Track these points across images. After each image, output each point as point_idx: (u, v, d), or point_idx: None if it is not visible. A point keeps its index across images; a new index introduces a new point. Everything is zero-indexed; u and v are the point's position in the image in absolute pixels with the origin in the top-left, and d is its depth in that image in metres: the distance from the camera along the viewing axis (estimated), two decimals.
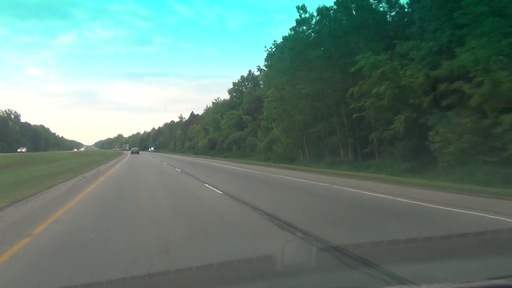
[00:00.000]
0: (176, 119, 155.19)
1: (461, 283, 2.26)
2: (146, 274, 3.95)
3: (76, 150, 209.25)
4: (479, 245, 5.44)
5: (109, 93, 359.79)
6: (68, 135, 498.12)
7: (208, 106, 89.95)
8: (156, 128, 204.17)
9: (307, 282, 3.63)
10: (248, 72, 68.80)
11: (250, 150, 45.72)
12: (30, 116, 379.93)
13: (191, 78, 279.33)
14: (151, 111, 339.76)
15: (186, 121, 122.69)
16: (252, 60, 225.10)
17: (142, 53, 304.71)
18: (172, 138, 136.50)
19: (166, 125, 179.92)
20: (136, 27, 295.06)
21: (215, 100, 78.46)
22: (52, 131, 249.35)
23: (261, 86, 58.00)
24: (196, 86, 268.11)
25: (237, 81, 69.99)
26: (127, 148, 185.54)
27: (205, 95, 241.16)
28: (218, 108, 74.58)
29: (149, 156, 64.99)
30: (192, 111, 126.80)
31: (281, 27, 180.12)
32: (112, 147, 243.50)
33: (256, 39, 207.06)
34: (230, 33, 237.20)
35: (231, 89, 71.01)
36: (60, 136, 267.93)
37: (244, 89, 69.20)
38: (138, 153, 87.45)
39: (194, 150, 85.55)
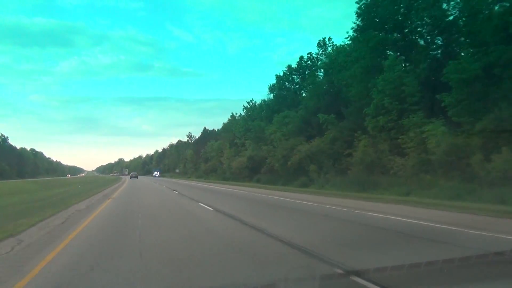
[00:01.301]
0: (184, 138, 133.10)
1: None
2: None
3: (69, 176, 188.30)
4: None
5: (110, 118, 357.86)
6: (69, 161, 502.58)
7: (235, 114, 67.73)
8: (160, 150, 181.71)
9: None
10: (299, 60, 46.94)
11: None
12: (30, 142, 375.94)
13: (191, 102, 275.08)
14: (153, 135, 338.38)
15: (199, 138, 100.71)
16: (252, 84, 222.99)
17: (143, 78, 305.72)
18: (181, 160, 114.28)
19: (172, 146, 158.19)
20: (136, 52, 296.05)
21: (248, 103, 56.26)
22: (48, 155, 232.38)
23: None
24: (197, 109, 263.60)
25: (282, 73, 48.06)
26: (126, 172, 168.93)
27: (205, 118, 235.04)
28: (255, 114, 52.38)
29: (154, 185, 43.14)
30: (205, 127, 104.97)
31: (280, 50, 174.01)
32: (113, 172, 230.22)
33: (256, 63, 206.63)
34: (230, 57, 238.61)
35: (273, 86, 49.11)
36: (56, 161, 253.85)
37: (287, 85, 47.45)
38: (137, 178, 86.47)
39: (217, 175, 63.18)
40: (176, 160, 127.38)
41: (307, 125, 35.52)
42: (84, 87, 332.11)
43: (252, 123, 45.37)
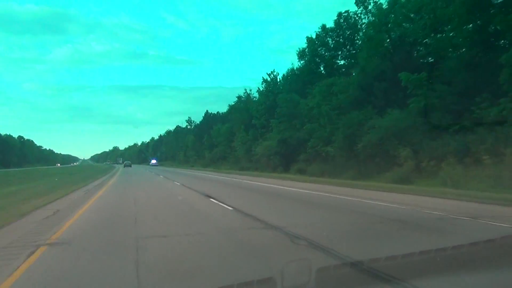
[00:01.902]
0: (183, 123, 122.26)
1: None
2: None
3: (59, 165, 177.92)
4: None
5: (104, 107, 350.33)
6: (64, 150, 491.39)
7: (248, 91, 56.44)
8: (156, 138, 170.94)
9: None
10: (337, 17, 36.35)
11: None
12: (24, 131, 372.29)
13: (186, 90, 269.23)
14: (148, 123, 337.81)
15: (200, 123, 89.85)
16: (247, 72, 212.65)
17: (137, 66, 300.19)
18: (181, 147, 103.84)
19: (169, 133, 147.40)
20: (130, 40, 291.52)
21: (269, 75, 45.19)
22: (40, 144, 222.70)
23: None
24: (192, 98, 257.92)
25: (315, 35, 37.48)
26: (121, 161, 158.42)
27: (200, 106, 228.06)
28: (278, 87, 41.72)
29: (154, 177, 33.18)
30: (207, 110, 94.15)
31: (275, 37, 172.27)
32: (107, 160, 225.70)
33: (250, 50, 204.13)
34: (224, 44, 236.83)
35: (303, 50, 38.56)
36: (48, 149, 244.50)
37: (321, 50, 37.12)
38: (131, 166, 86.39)
39: (228, 163, 52.86)
40: (174, 148, 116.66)
41: (368, 94, 25.33)
42: (78, 76, 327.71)
43: (282, 96, 34.74)
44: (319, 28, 37.40)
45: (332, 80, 29.21)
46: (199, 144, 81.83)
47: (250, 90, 59.51)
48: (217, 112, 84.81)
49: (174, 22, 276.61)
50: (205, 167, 61.38)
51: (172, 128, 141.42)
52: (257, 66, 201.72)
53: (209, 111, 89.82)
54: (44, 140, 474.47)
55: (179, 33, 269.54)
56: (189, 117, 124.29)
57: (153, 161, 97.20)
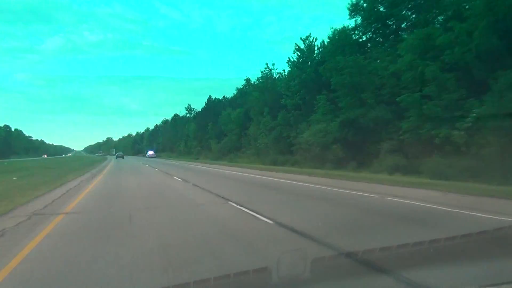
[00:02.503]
0: (182, 112, 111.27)
1: None
2: None
3: (45, 156, 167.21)
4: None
5: (98, 97, 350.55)
6: (57, 141, 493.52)
7: (270, 66, 45.15)
8: (152, 128, 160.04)
9: None
10: None
11: None
12: (16, 122, 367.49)
13: (180, 82, 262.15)
14: (142, 114, 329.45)
15: (203, 110, 79.14)
16: (241, 63, 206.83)
17: (130, 56, 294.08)
18: (180, 137, 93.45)
19: (166, 122, 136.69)
20: (123, 30, 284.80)
21: (304, 41, 34.52)
22: (30, 134, 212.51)
23: None
24: (186, 89, 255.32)
25: None
26: (114, 152, 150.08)
27: (195, 97, 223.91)
28: (317, 55, 31.32)
29: (161, 176, 22.79)
30: (210, 96, 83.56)
31: (270, 28, 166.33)
32: (99, 151, 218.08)
33: (245, 42, 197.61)
34: (219, 35, 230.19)
35: (355, 4, 28.17)
36: (39, 140, 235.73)
37: None
38: (123, 158, 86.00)
39: (245, 155, 42.71)
40: (173, 138, 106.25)
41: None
42: (71, 66, 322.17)
43: (340, 59, 24.01)
44: None
45: (430, 30, 19.05)
46: (202, 133, 71.49)
47: (273, 65, 49.45)
48: (223, 97, 74.33)
49: (168, 12, 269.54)
50: (215, 160, 50.95)
51: (169, 117, 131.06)
52: (252, 57, 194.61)
53: (212, 97, 79.24)
54: (37, 131, 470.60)
55: (173, 23, 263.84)
56: (188, 104, 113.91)
57: (150, 153, 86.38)
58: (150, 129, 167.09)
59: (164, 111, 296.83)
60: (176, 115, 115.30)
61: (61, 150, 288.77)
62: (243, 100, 58.03)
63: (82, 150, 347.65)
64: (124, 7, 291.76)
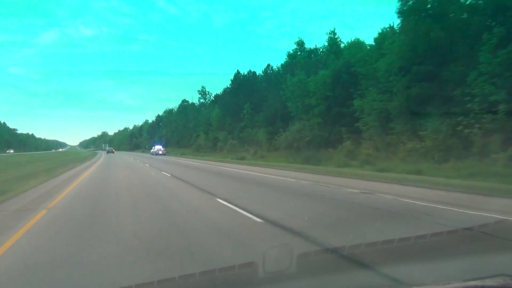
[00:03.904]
0: (193, 99, 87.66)
1: (438, 284, 2.37)
2: (128, 286, 3.50)
3: (11, 151, 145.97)
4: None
5: (93, 92, 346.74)
6: (52, 135, 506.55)
7: None
8: (151, 121, 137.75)
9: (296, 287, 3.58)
10: None
11: None
12: (10, 116, 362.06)
13: (176, 77, 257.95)
14: (138, 109, 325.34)
15: (231, 89, 57.10)
16: (238, 59, 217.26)
17: (126, 51, 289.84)
18: (194, 129, 71.99)
19: (170, 112, 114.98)
20: (119, 24, 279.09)
21: None
22: (14, 127, 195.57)
23: None
24: (182, 84, 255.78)
25: None
26: (104, 148, 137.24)
27: (192, 93, 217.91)
28: None
29: None
30: (237, 70, 61.95)
31: (267, 24, 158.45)
32: (97, 146, 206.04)
33: (241, 37, 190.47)
34: (215, 30, 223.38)
35: None
36: (30, 134, 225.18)
37: None
38: (113, 152, 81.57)
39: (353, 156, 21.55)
40: (181, 130, 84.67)
41: None
42: (66, 60, 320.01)
43: None
44: None
45: None
46: (235, 121, 50.06)
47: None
48: (268, 66, 52.38)
49: (164, 7, 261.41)
50: (290, 162, 28.98)
51: (174, 106, 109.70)
52: (249, 52, 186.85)
53: (241, 72, 57.49)
54: (31, 125, 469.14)
55: (169, 18, 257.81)
56: (202, 86, 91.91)
57: (158, 147, 62.11)
58: (149, 122, 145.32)
59: (160, 106, 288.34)
60: (185, 102, 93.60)
61: (55, 145, 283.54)
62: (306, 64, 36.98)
63: (77, 145, 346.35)
64: (120, 1, 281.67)
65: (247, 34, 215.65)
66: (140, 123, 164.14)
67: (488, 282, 2.24)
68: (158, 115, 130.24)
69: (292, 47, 22.96)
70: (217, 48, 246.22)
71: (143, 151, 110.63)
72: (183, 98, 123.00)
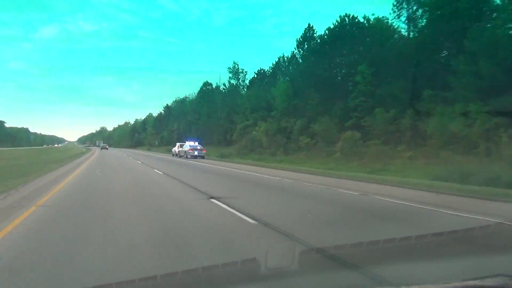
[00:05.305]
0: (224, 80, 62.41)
1: (438, 284, 2.41)
2: (129, 280, 3.55)
3: None
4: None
5: (93, 88, 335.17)
6: (50, 131, 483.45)
7: None
8: (159, 112, 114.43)
9: (292, 284, 3.56)
10: None
11: None
12: (8, 111, 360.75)
13: (176, 74, 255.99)
14: (137, 106, 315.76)
15: (318, 47, 34.13)
16: (239, 57, 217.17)
17: (126, 47, 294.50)
18: (221, 120, 49.54)
19: (182, 101, 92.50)
20: (119, 20, 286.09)
21: None
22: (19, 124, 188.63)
23: None
24: (182, 82, 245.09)
25: None
26: (98, 144, 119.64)
27: (191, 90, 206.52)
28: None
29: None
30: (309, 23, 39.10)
31: (268, 22, 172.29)
32: (94, 142, 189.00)
33: (242, 35, 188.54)
34: (216, 28, 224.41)
35: None
36: (24, 128, 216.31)
37: None
38: (107, 149, 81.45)
39: None
40: (206, 121, 61.74)
41: None
42: (66, 55, 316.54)
43: None
44: None
45: None
46: (327, 98, 27.17)
47: None
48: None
49: (165, 3, 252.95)
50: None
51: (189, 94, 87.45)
52: (249, 50, 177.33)
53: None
54: (30, 120, 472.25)
55: (170, 14, 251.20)
56: (234, 62, 69.06)
57: (191, 144, 35.85)
58: (153, 115, 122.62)
59: (160, 103, 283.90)
60: (207, 85, 70.41)
61: (51, 141, 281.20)
62: None
63: (76, 141, 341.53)
64: None
65: (247, 32, 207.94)
66: (141, 118, 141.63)
67: (487, 282, 2.24)
68: (167, 105, 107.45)
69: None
70: (217, 45, 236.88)
71: (149, 149, 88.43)
72: (183, 95, 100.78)
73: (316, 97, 29.64)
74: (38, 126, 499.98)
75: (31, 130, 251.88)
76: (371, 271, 3.85)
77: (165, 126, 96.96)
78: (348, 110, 26.32)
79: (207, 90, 69.92)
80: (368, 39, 27.24)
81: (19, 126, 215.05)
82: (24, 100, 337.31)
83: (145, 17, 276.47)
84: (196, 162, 26.97)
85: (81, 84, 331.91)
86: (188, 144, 34.85)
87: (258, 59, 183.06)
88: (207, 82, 71.65)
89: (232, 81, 61.07)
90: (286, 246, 4.18)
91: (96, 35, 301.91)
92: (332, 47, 30.07)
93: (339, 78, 29.44)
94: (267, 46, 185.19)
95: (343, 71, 28.22)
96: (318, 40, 34.45)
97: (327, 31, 33.25)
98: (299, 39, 39.97)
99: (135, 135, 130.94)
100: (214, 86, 68.10)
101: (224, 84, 62.73)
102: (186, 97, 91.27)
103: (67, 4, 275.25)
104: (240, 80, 60.65)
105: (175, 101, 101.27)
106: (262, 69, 52.35)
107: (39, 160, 30.87)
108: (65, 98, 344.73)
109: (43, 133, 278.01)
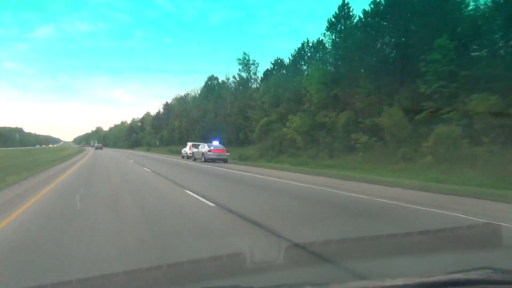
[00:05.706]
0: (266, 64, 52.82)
1: (422, 277, 2.30)
2: (115, 272, 3.52)
3: None
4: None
5: (89, 88, 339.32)
6: (45, 131, 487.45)
7: None
8: (158, 110, 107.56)
9: (274, 278, 3.38)
10: None
11: None
12: (4, 111, 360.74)
13: (172, 74, 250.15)
14: (133, 106, 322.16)
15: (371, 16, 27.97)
16: (234, 57, 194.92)
17: (122, 47, 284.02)
18: (233, 117, 43.04)
19: (183, 98, 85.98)
20: (115, 20, 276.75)
21: None
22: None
23: None
24: (178, 82, 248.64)
25: None
26: (92, 144, 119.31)
27: (189, 89, 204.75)
28: None
29: None
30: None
31: (264, 22, 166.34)
32: (89, 142, 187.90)
33: (238, 35, 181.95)
34: (211, 28, 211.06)
35: None
36: (18, 128, 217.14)
37: None
38: (102, 149, 78.49)
39: None
40: (213, 119, 55.13)
41: None
42: (62, 55, 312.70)
43: None
44: None
45: None
46: (391, 82, 20.98)
47: None
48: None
49: (161, 3, 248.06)
50: None
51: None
52: (245, 51, 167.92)
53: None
54: (25, 120, 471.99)
55: (166, 14, 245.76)
56: (244, 53, 62.89)
57: (215, 144, 28.58)
58: (150, 114, 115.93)
59: (155, 103, 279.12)
60: (213, 79, 63.67)
61: (46, 141, 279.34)
62: None
63: (72, 141, 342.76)
64: None
65: (242, 33, 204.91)
66: (138, 118, 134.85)
67: (472, 274, 2.21)
68: (167, 102, 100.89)
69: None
70: (213, 46, 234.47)
71: (148, 150, 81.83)
72: (184, 92, 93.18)
73: (368, 85, 23.27)
74: (33, 126, 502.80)
75: (26, 130, 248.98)
76: None
77: (165, 125, 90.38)
78: (419, 99, 19.93)
79: (212, 85, 63.38)
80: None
81: (12, 126, 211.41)
82: (19, 100, 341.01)
83: (141, 17, 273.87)
84: (224, 169, 20.24)
85: (77, 84, 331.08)
86: (207, 145, 28.04)
87: (258, 59, 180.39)
88: (212, 76, 65.10)
89: (243, 74, 54.61)
90: None
91: (92, 35, 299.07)
92: (389, 19, 23.73)
93: (398, 59, 23.02)
94: (266, 46, 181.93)
95: (408, 49, 21.77)
96: (362, 16, 27.99)
97: (371, 5, 26.97)
98: (331, 19, 33.71)
99: (132, 135, 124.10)
100: (220, 81, 61.63)
101: (233, 77, 56.22)
102: (187, 94, 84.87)
103: (63, 4, 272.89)
104: (252, 72, 54.22)
105: (175, 99, 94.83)
106: (280, 58, 46.10)
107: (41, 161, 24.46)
108: (61, 98, 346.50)
109: (38, 133, 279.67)
